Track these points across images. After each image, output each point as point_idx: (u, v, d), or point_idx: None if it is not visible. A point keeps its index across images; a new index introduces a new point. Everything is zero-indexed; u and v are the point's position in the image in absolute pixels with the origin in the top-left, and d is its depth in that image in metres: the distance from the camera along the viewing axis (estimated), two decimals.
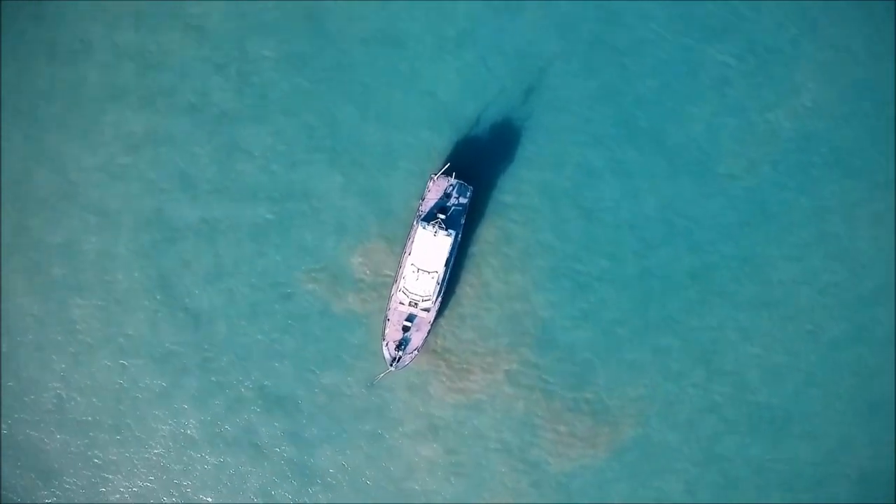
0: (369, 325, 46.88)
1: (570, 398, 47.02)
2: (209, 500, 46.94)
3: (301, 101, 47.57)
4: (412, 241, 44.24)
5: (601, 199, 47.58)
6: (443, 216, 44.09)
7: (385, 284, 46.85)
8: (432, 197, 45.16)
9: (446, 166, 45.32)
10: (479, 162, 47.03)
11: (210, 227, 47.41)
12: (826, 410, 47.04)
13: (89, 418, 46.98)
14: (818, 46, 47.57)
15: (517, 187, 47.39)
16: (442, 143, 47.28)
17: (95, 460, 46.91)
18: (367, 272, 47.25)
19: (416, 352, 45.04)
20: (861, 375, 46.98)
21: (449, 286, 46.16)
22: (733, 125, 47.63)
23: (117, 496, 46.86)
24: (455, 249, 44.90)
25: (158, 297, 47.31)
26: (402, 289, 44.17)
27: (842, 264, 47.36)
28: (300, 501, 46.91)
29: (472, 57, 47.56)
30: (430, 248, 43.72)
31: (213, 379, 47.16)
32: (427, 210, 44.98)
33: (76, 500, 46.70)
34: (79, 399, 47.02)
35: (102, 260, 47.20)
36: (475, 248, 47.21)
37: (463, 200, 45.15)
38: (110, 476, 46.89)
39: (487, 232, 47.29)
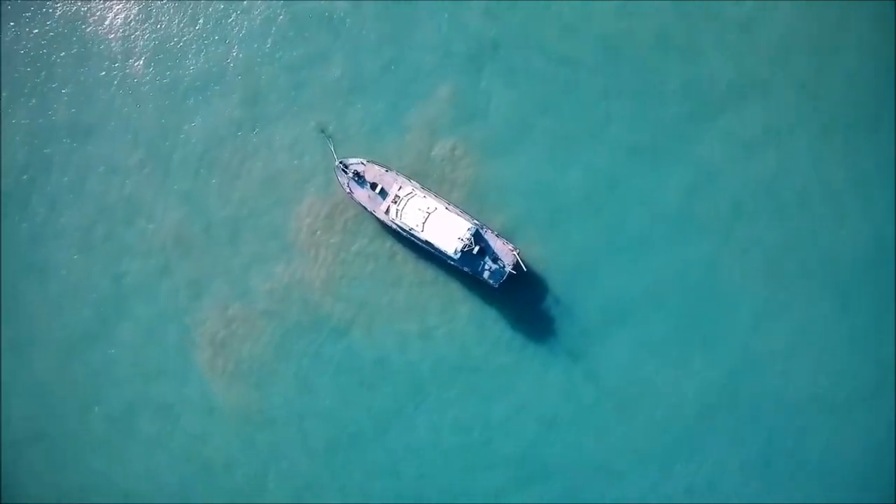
0: (387, 148, 44.64)
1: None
2: None
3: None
4: (453, 211, 41.69)
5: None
6: (474, 249, 41.08)
7: (425, 169, 44.25)
8: (494, 244, 41.79)
9: (523, 268, 41.48)
10: (542, 280, 43.11)
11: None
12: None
13: None
14: None
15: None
16: (558, 247, 43.44)
17: None
18: (421, 146, 44.67)
19: (352, 199, 43.49)
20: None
21: (427, 255, 44.12)
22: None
23: None
24: (440, 259, 43.09)
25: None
26: (408, 193, 41.87)
27: None
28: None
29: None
30: (442, 233, 41.25)
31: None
32: (484, 234, 41.86)
33: None
34: None
35: None
36: (477, 289, 43.67)
37: (484, 278, 42.07)
38: None
39: (489, 306, 43.61)
